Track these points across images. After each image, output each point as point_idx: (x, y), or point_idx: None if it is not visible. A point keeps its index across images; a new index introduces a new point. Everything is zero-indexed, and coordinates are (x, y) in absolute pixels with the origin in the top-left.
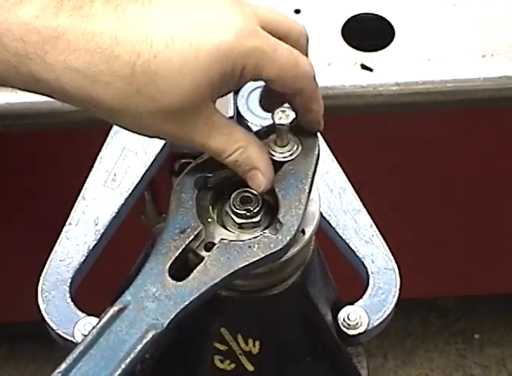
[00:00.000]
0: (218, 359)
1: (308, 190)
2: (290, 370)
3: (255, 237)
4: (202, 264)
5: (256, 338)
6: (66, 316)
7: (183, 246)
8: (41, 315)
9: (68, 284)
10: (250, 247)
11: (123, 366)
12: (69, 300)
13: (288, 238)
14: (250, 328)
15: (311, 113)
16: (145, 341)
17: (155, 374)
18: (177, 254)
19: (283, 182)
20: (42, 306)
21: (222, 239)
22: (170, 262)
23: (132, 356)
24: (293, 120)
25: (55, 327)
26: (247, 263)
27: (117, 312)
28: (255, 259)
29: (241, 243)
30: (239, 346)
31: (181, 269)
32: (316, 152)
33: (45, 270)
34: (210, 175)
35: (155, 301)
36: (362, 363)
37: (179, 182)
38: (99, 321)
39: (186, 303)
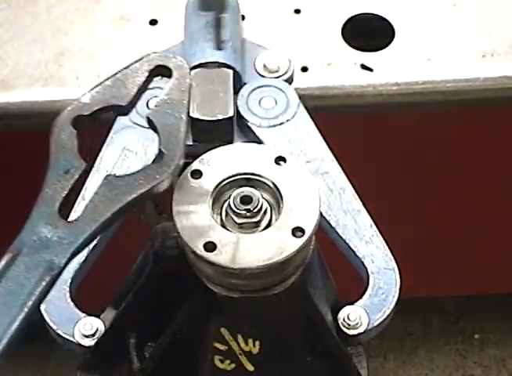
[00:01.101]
0: (218, 359)
1: (185, 118)
2: (290, 370)
3: (140, 170)
4: (90, 202)
5: (256, 338)
6: (66, 316)
7: (69, 186)
8: (41, 315)
9: (68, 284)
10: (135, 180)
11: (25, 309)
12: (69, 300)
13: (172, 167)
14: (250, 328)
15: None
16: (44, 283)
17: (155, 374)
18: (64, 194)
19: (160, 113)
20: (42, 306)
21: (108, 176)
22: (59, 203)
23: (33, 298)
24: None
25: (55, 327)
26: (135, 196)
27: (12, 258)
28: (142, 191)
29: (126, 177)
30: (239, 346)
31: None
32: (188, 80)
33: None
34: (86, 113)
35: (49, 242)
36: (362, 363)
37: (56, 123)
38: None
39: (80, 241)
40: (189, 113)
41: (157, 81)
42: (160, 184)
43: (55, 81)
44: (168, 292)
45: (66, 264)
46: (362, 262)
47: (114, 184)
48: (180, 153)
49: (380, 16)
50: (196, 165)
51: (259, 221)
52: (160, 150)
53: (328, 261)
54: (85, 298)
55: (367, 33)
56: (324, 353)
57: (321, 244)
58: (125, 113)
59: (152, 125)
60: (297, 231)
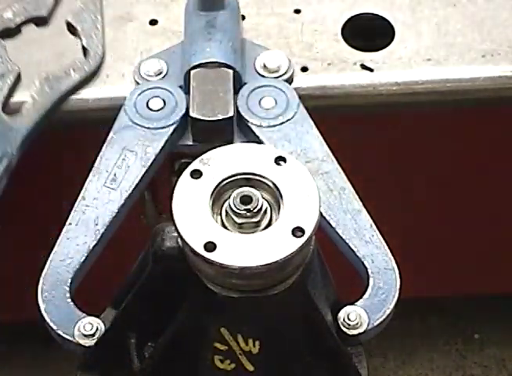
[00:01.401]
0: (218, 359)
1: (100, 18)
2: (289, 370)
3: (69, 63)
4: (30, 98)
5: (256, 338)
6: (66, 316)
7: (7, 88)
8: (41, 315)
9: (68, 284)
10: (67, 74)
11: None
12: (69, 300)
13: (97, 59)
14: (250, 328)
15: None
16: (1, 168)
17: (155, 374)
18: (4, 96)
19: (79, 18)
20: (42, 306)
21: (44, 78)
22: (1, 104)
23: None
24: None
25: (55, 327)
26: (70, 87)
27: None
28: (76, 83)
29: (58, 73)
30: (239, 346)
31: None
32: None
33: (45, 270)
34: (12, 26)
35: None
36: (362, 363)
37: None
38: None
39: (28, 131)
40: (101, 13)
41: (156, 81)
42: (90, 76)
43: None
44: (168, 292)
45: (17, 151)
46: (362, 262)
47: (49, 82)
48: (101, 47)
49: (380, 16)
50: (196, 165)
51: (259, 221)
52: (84, 48)
53: (328, 261)
54: (85, 298)
55: (367, 33)
56: (324, 353)
57: (321, 244)
58: (46, 23)
59: (72, 30)
60: (297, 231)
